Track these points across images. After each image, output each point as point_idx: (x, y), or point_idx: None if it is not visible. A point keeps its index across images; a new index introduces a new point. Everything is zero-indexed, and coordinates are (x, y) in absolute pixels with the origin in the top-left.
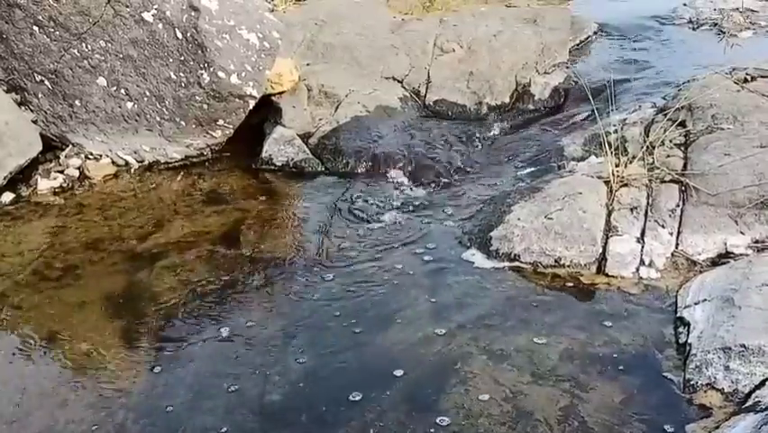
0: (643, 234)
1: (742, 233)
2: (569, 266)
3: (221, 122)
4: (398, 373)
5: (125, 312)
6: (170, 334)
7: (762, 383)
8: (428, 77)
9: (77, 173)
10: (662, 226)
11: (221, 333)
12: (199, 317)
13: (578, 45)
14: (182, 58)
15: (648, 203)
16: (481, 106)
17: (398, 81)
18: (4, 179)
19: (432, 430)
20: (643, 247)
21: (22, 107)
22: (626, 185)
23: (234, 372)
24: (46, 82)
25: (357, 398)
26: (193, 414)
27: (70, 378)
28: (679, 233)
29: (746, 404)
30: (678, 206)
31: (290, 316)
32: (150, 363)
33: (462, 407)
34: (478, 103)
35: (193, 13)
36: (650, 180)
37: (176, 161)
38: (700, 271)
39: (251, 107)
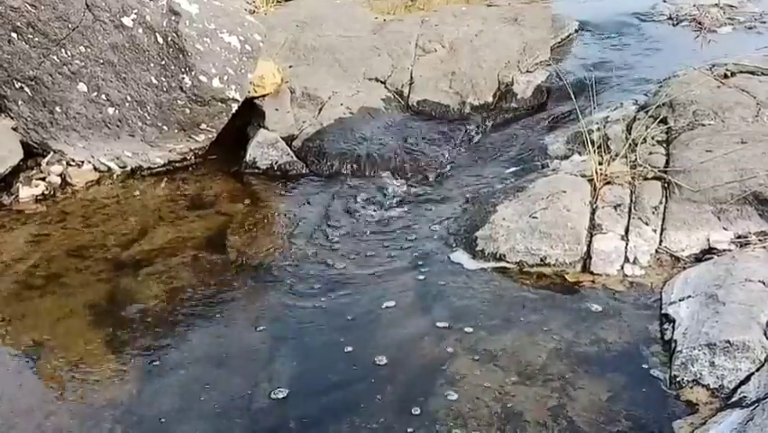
0: (627, 231)
1: (725, 228)
2: (554, 265)
3: (204, 126)
4: (385, 374)
5: (110, 321)
6: (156, 342)
7: (747, 379)
8: (411, 77)
9: (58, 180)
10: (646, 224)
11: (207, 340)
12: (185, 324)
13: (559, 43)
14: (163, 62)
15: (631, 200)
16: (464, 106)
17: (381, 82)
18: None
19: (420, 431)
20: (627, 245)
21: (2, 115)
22: (609, 183)
23: (222, 379)
24: (26, 89)
25: (344, 400)
26: (181, 423)
27: (56, 388)
28: (662, 230)
29: (732, 400)
30: (661, 203)
31: (277, 321)
32: (137, 371)
33: (450, 408)
34: (461, 103)
35: (173, 18)
36: (633, 178)
37: (159, 167)
38: (684, 268)
39: (233, 111)
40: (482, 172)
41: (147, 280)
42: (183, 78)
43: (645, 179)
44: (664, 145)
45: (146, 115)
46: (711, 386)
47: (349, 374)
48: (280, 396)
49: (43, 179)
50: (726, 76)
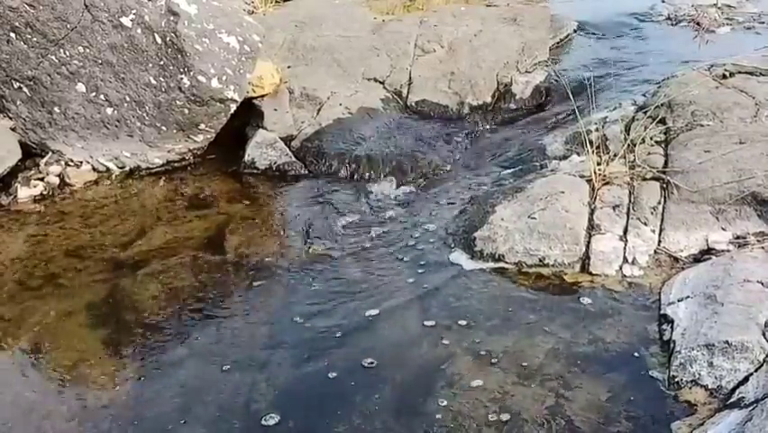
0: (625, 231)
1: (723, 229)
2: (553, 265)
3: (202, 126)
4: (384, 375)
5: (109, 321)
6: (155, 342)
7: (745, 379)
8: (410, 77)
9: (57, 180)
10: (645, 224)
11: (206, 340)
12: (184, 324)
13: (558, 44)
14: (162, 62)
15: (630, 201)
16: (463, 106)
17: (380, 82)
18: None
19: (418, 432)
20: (625, 245)
21: (1, 115)
22: (607, 183)
23: (220, 379)
24: (24, 89)
25: (343, 402)
26: (179, 423)
27: (54, 389)
28: (661, 230)
29: (730, 400)
30: (659, 203)
31: (276, 321)
32: (135, 372)
33: (449, 408)
34: (459, 103)
35: (172, 18)
36: (631, 178)
37: (157, 167)
38: (683, 268)
39: (232, 111)
40: (481, 173)
41: (145, 280)
42: (182, 79)
43: (644, 179)
44: (663, 146)
45: (145, 115)
46: (710, 387)
47: (345, 375)
48: (280, 396)
49: (42, 179)
50: (724, 76)
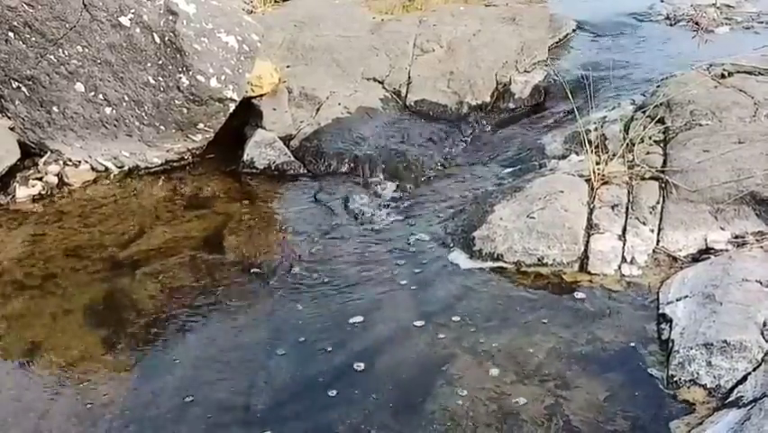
0: (624, 231)
1: (722, 228)
2: (551, 265)
3: (201, 126)
4: (383, 374)
5: (107, 320)
6: (153, 342)
7: (744, 379)
8: (409, 77)
9: (56, 180)
10: (643, 223)
11: (204, 340)
12: (182, 324)
13: (557, 43)
14: (161, 62)
15: (629, 200)
16: (462, 106)
17: (379, 82)
18: None
19: (418, 431)
20: (624, 244)
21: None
22: (606, 183)
23: (219, 379)
24: (23, 89)
25: (341, 401)
26: (177, 423)
27: (52, 388)
28: (659, 229)
29: (729, 399)
30: (658, 202)
31: (274, 321)
32: (134, 371)
33: (447, 408)
34: (458, 102)
35: (170, 17)
36: (630, 178)
37: (156, 166)
38: (681, 268)
39: (231, 111)
40: (480, 172)
41: (144, 280)
42: (180, 78)
43: (643, 179)
44: (662, 145)
45: (143, 114)
46: (708, 386)
47: (345, 374)
48: (278, 395)
49: (40, 178)
50: (723, 76)
